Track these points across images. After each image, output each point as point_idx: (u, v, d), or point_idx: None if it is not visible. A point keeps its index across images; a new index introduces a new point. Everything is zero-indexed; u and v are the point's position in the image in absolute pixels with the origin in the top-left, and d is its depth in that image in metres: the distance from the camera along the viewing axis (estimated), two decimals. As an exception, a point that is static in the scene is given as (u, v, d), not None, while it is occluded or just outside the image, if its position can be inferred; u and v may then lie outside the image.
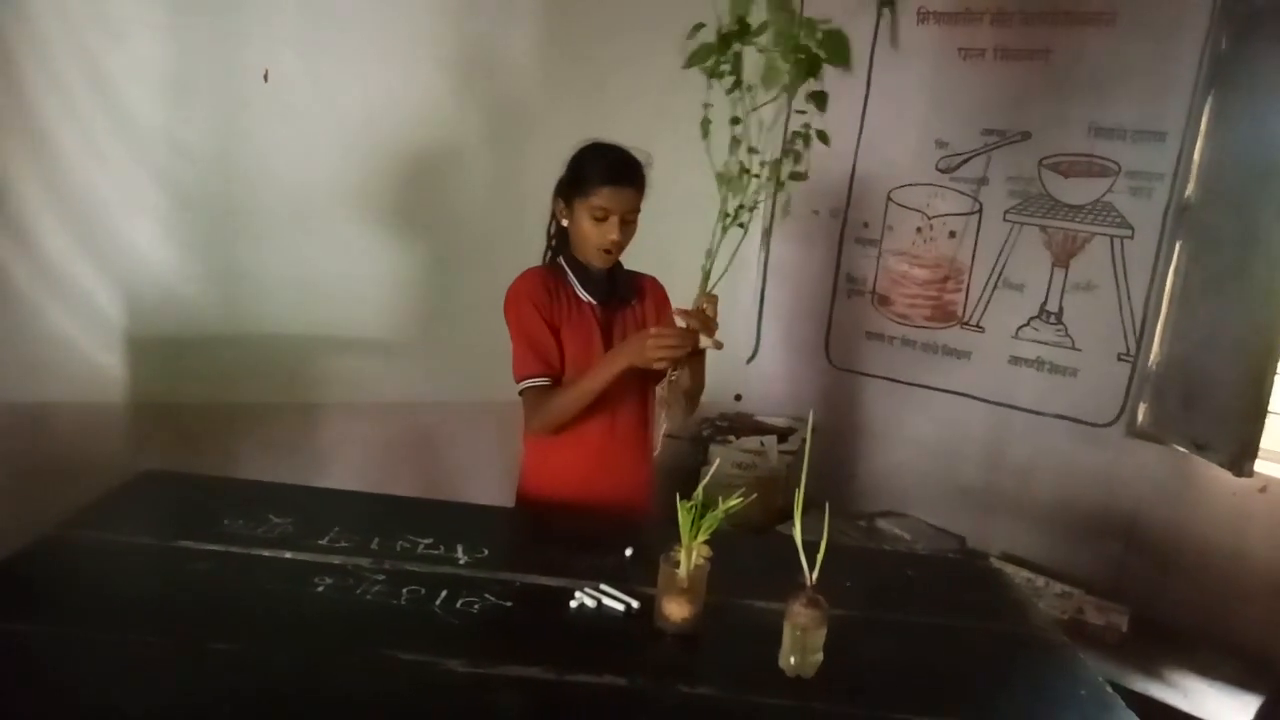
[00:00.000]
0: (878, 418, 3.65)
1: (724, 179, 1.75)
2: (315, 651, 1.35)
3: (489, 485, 2.30)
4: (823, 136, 1.79)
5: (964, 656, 1.55)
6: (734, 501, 1.47)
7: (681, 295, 2.07)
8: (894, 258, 3.55)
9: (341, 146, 2.79)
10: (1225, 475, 2.66)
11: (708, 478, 1.55)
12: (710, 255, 1.77)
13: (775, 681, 1.37)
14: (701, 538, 1.45)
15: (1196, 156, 2.86)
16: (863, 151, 3.48)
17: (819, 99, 1.75)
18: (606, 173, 1.85)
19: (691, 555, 1.45)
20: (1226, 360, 2.66)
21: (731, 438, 3.59)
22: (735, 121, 1.72)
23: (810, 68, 1.71)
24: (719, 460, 1.92)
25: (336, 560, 1.61)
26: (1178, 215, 2.92)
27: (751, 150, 1.73)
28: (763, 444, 3.58)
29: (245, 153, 2.69)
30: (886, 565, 2.14)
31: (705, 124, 1.74)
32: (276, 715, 1.23)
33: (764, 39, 1.71)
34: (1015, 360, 3.28)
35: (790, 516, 1.41)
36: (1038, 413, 3.24)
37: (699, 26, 1.73)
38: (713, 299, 1.80)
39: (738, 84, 1.73)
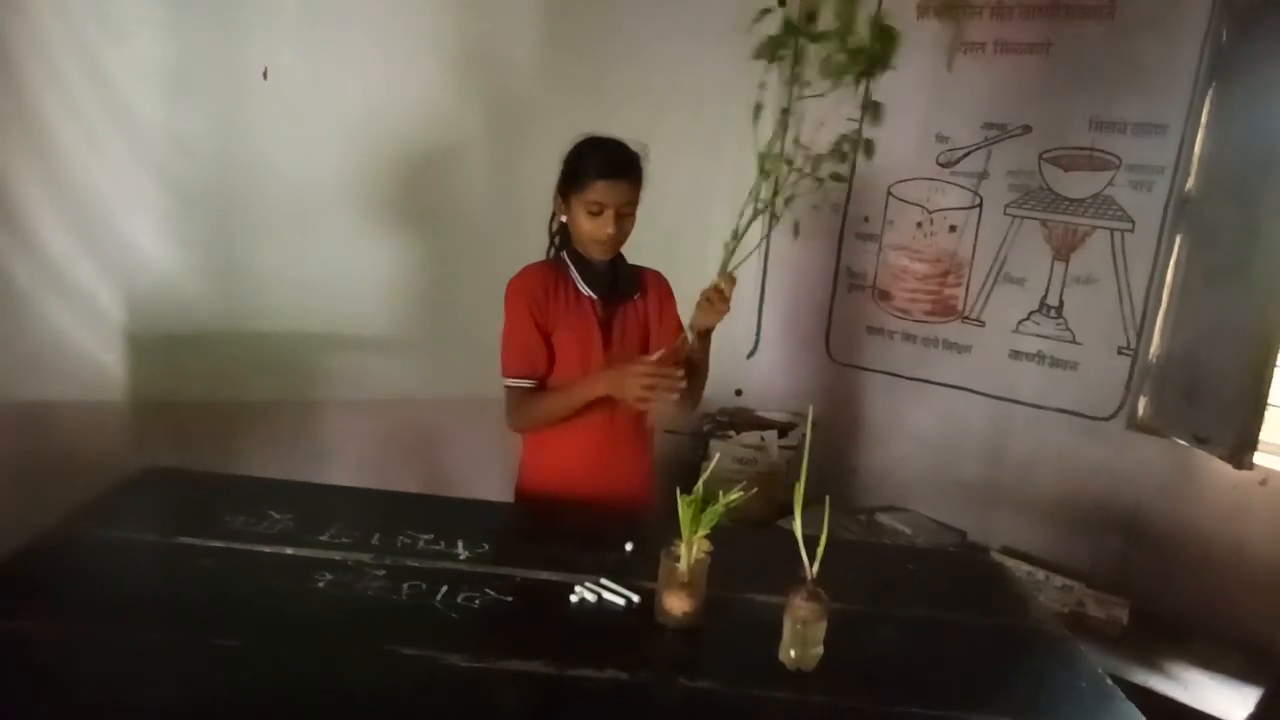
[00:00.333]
0: (878, 412, 3.65)
1: (764, 159, 1.75)
2: (317, 647, 1.35)
3: (489, 481, 2.31)
4: (868, 148, 1.79)
5: (965, 650, 1.55)
6: (734, 496, 1.47)
7: (684, 289, 2.07)
8: (894, 252, 3.55)
9: (342, 143, 2.79)
10: (1226, 468, 2.66)
11: (708, 472, 1.55)
12: (736, 235, 1.77)
13: (776, 675, 1.37)
14: (702, 532, 1.45)
15: (1197, 150, 2.86)
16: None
17: (874, 109, 1.77)
18: (600, 167, 1.85)
19: (692, 549, 1.45)
20: (1227, 353, 2.66)
21: (732, 433, 3.59)
22: (786, 111, 1.73)
23: (870, 65, 1.71)
24: (719, 455, 1.92)
25: (337, 556, 1.61)
26: (1178, 208, 2.92)
27: (797, 143, 1.73)
28: (763, 439, 3.58)
29: (245, 150, 2.68)
30: (887, 559, 2.15)
31: (757, 108, 1.76)
32: (278, 710, 1.23)
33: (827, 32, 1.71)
34: (1016, 354, 3.28)
35: (790, 511, 1.41)
36: (1038, 406, 3.24)
37: (766, 11, 1.71)
38: (731, 279, 1.81)
39: (795, 75, 1.73)
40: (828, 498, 1.41)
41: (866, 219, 3.58)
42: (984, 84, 3.27)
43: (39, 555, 1.56)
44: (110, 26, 2.44)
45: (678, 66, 3.26)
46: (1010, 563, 2.85)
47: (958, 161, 3.35)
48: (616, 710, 1.29)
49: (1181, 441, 2.85)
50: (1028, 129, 3.20)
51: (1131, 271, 3.02)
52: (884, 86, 1.78)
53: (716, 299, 1.82)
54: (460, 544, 1.70)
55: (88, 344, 2.57)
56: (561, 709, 1.29)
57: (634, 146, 1.91)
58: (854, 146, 1.78)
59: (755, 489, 1.59)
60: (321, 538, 1.67)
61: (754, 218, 1.77)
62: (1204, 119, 2.84)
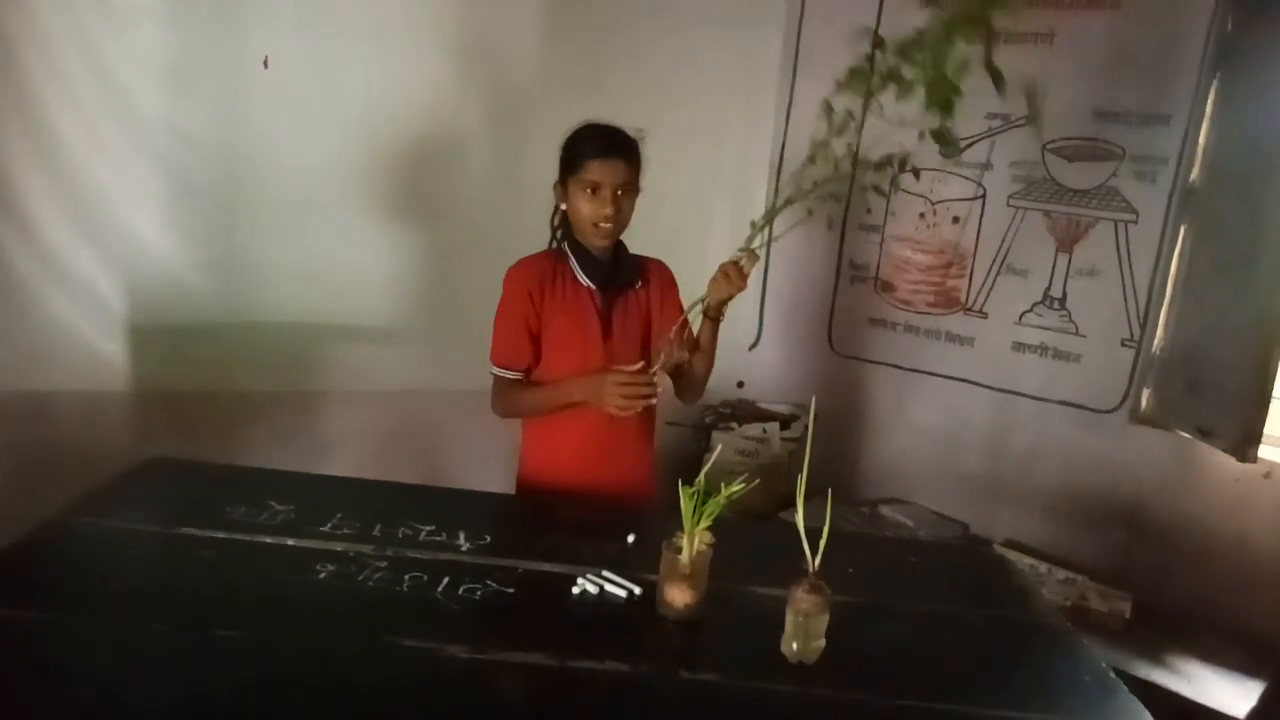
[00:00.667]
0: (880, 404, 3.64)
1: (816, 147, 1.80)
2: (318, 638, 1.35)
3: (491, 472, 2.31)
4: (915, 170, 1.88)
5: (967, 643, 1.55)
6: (736, 487, 1.47)
7: (686, 281, 2.07)
8: (897, 243, 3.53)
9: (343, 134, 2.78)
10: (1229, 461, 2.65)
11: (710, 464, 1.55)
12: (768, 214, 1.79)
13: (777, 667, 1.37)
14: (704, 524, 1.45)
15: (1202, 140, 2.84)
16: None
17: (943, 139, 1.86)
18: (595, 146, 1.87)
19: (694, 541, 1.45)
20: (1231, 346, 2.65)
21: (734, 425, 3.58)
22: (851, 117, 1.80)
23: (945, 105, 1.78)
24: (721, 447, 1.92)
25: (339, 547, 1.61)
26: (1182, 200, 2.90)
27: (851, 148, 1.81)
28: (765, 431, 3.58)
29: (246, 140, 2.68)
30: (889, 552, 2.15)
31: (827, 106, 1.83)
32: (279, 702, 1.23)
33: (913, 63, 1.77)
34: (1019, 346, 3.27)
35: (792, 503, 1.41)
36: (1041, 399, 3.23)
37: (873, 39, 1.80)
38: (754, 255, 1.83)
39: (869, 93, 1.80)
40: (830, 490, 1.41)
41: (869, 210, 3.57)
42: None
43: (39, 546, 1.56)
44: (111, 17, 2.43)
45: (680, 61, 3.25)
46: (1012, 555, 2.84)
47: (961, 152, 3.33)
48: (617, 702, 1.29)
49: (1185, 434, 2.84)
50: (1030, 119, 3.18)
51: (1135, 263, 3.00)
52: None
53: (735, 274, 1.84)
54: (462, 535, 1.69)
55: (89, 335, 2.58)
56: (562, 701, 1.29)
57: (631, 132, 1.92)
58: (901, 166, 1.91)
59: (757, 481, 1.59)
60: (323, 529, 1.67)
61: (790, 201, 1.79)
62: (1208, 110, 2.82)
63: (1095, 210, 3.07)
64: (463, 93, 2.93)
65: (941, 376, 3.46)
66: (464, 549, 1.65)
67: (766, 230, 1.84)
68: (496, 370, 2.01)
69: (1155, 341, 2.98)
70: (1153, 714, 1.36)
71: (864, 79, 1.79)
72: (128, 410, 2.65)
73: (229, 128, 2.65)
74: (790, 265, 3.73)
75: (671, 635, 1.45)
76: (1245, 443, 2.59)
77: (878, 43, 1.78)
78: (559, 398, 1.95)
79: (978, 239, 3.33)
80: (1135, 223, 3.00)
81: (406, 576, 1.53)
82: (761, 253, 1.86)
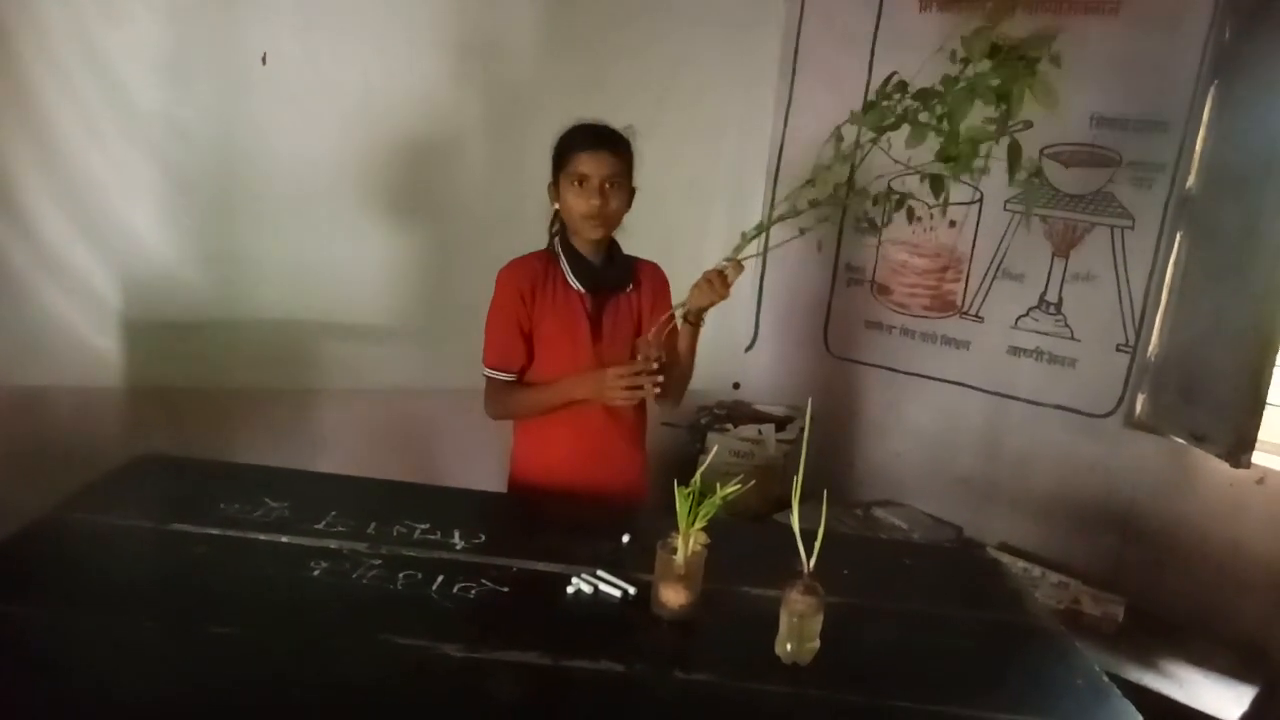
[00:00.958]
0: (876, 407, 3.64)
1: (818, 170, 1.83)
2: (311, 636, 1.35)
3: (486, 471, 2.30)
4: (909, 213, 1.95)
5: (960, 645, 1.55)
6: (731, 489, 1.47)
7: (681, 283, 2.07)
8: (893, 247, 3.54)
9: (340, 130, 2.77)
10: (1223, 466, 2.66)
11: (705, 465, 1.55)
12: (762, 226, 1.80)
13: (771, 668, 1.37)
14: (699, 524, 1.45)
15: (1198, 147, 2.85)
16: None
17: (938, 186, 1.90)
18: (582, 139, 1.89)
19: (689, 542, 1.45)
20: (1225, 352, 2.66)
21: (729, 426, 3.59)
22: (858, 146, 1.82)
23: (961, 167, 1.85)
24: (717, 448, 1.92)
25: (333, 545, 1.61)
26: (1179, 206, 2.91)
27: (851, 177, 1.85)
28: (760, 432, 3.58)
29: (243, 136, 2.67)
30: (883, 554, 2.15)
31: (837, 135, 1.85)
32: (272, 699, 1.23)
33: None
34: (1014, 350, 3.28)
35: (788, 505, 1.41)
36: (1036, 403, 3.23)
37: (895, 79, 1.83)
38: (739, 266, 1.84)
39: (881, 129, 1.83)
40: (825, 492, 1.41)
41: (866, 213, 3.57)
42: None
43: (33, 541, 1.55)
44: (109, 11, 2.42)
45: (678, 61, 3.25)
46: (1006, 558, 2.85)
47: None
48: (611, 702, 1.29)
49: (1179, 439, 2.85)
50: (1029, 124, 3.17)
51: (1131, 269, 3.01)
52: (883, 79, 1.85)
53: (718, 282, 1.84)
54: (456, 534, 1.69)
55: (83, 329, 2.56)
56: (556, 700, 1.29)
57: (620, 128, 1.93)
58: (898, 206, 1.93)
59: (752, 482, 1.59)
60: (317, 526, 1.67)
61: (783, 217, 1.80)
62: (1206, 116, 2.83)
63: (1091, 216, 3.07)
64: (461, 90, 2.92)
65: (937, 380, 3.47)
66: (459, 547, 1.65)
67: (757, 241, 1.84)
68: (490, 373, 2.00)
69: (1150, 347, 2.99)
70: (1145, 717, 1.36)
71: (880, 116, 1.80)
72: (122, 406, 2.64)
73: (226, 123, 2.64)
74: (786, 267, 3.73)
75: (666, 635, 1.45)
76: (1239, 448, 2.59)
77: (899, 86, 1.79)
78: (557, 398, 1.95)
79: (974, 243, 3.34)
80: (1131, 228, 3.00)
81: (401, 574, 1.53)
82: (749, 264, 1.86)
